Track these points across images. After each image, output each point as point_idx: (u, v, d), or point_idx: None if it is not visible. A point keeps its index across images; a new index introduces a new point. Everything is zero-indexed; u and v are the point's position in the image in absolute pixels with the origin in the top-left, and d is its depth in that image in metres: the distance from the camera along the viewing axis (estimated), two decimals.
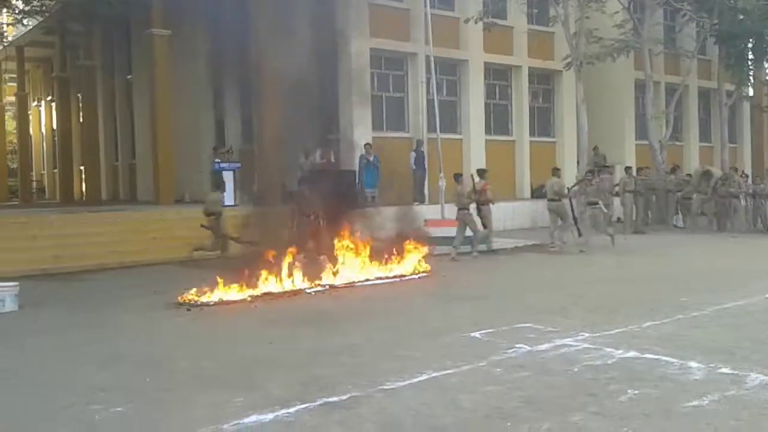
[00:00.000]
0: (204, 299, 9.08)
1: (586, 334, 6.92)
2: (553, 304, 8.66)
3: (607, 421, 4.52)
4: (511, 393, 5.11)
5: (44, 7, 26.20)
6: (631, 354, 6.16)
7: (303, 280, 10.03)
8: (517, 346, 6.50)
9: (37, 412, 5.01)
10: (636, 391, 5.11)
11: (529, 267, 12.92)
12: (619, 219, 19.19)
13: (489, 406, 4.85)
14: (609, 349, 6.30)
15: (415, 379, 5.50)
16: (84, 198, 30.64)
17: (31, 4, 25.94)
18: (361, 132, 18.44)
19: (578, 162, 20.26)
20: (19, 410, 5.07)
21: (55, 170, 35.08)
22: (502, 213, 20.02)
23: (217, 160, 18.50)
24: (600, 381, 5.38)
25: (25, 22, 28.62)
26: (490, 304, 8.93)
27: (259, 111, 18.58)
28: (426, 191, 18.79)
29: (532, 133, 23.35)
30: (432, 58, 17.10)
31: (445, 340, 6.83)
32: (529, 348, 6.43)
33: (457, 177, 14.53)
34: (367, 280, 10.62)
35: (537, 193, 22.69)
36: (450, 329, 7.30)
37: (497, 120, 22.76)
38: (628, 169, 20.58)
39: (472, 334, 7.03)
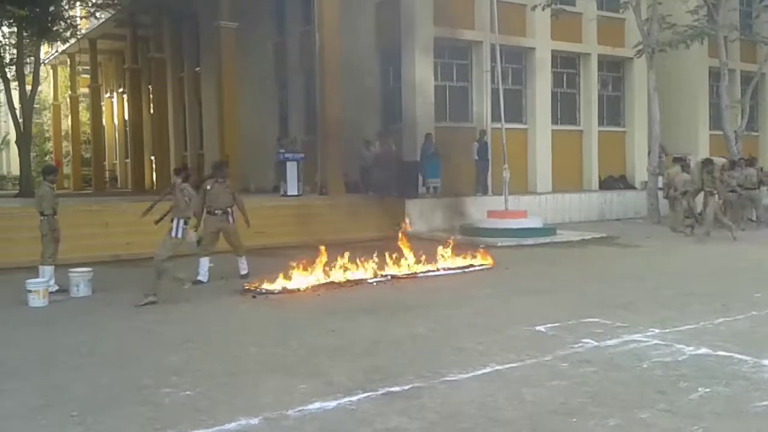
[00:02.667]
0: (269, 287, 9.22)
1: (656, 330, 6.72)
2: (621, 299, 8.45)
3: (677, 419, 4.38)
4: (577, 388, 5.01)
5: (116, 0, 26.98)
6: (703, 351, 5.96)
7: (365, 269, 10.06)
8: (583, 340, 6.36)
9: (112, 392, 5.18)
10: (707, 389, 4.94)
11: (597, 260, 12.62)
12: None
13: (554, 401, 4.76)
14: (679, 346, 6.11)
15: (479, 372, 5.45)
16: (155, 187, 31.58)
17: None
18: (424, 122, 18.37)
19: (649, 152, 19.68)
20: (96, 389, 5.26)
21: (127, 160, 36.26)
22: (568, 204, 19.69)
23: (281, 150, 18.71)
24: (670, 378, 5.22)
25: (98, 15, 29.54)
26: (556, 297, 8.77)
27: (322, 102, 18.75)
28: (489, 182, 18.58)
29: (600, 123, 22.82)
30: (497, 47, 16.85)
31: (509, 333, 6.74)
32: (596, 343, 6.28)
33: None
34: (429, 271, 10.57)
35: (606, 184, 22.21)
36: (514, 322, 7.20)
37: (564, 109, 22.32)
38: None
39: (537, 328, 6.91)
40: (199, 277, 9.99)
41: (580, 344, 6.25)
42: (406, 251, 10.68)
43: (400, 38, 19.20)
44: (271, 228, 14.54)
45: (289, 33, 24.48)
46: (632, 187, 22.02)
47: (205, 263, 10.17)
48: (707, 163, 15.38)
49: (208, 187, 10.24)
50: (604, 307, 7.92)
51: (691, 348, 6.04)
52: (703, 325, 6.93)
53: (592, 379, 5.22)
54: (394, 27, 19.33)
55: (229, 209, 10.38)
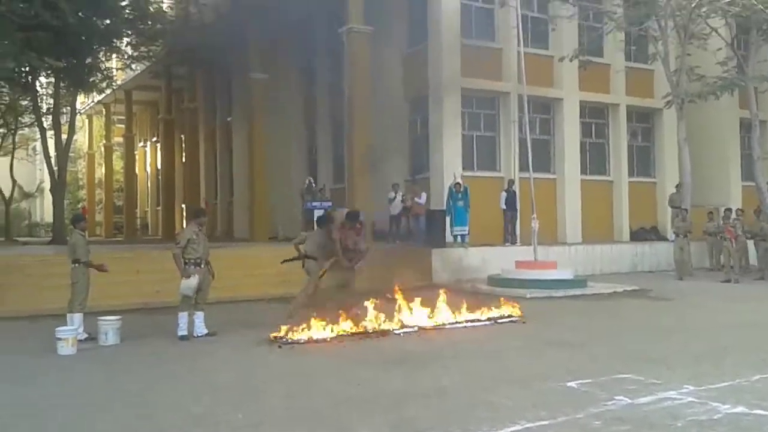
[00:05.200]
0: (295, 336, 9.16)
1: (691, 387, 6.50)
2: (655, 353, 8.22)
3: None
4: None
5: (151, 53, 27.78)
6: (739, 409, 5.73)
7: (392, 321, 9.96)
8: (616, 398, 6.16)
9: None
10: None
11: (629, 313, 12.36)
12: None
13: None
14: (715, 404, 5.89)
15: (509, 429, 5.29)
16: None
17: (139, 50, 27.57)
18: (451, 171, 18.41)
19: (681, 203, 19.44)
20: None
21: (158, 207, 36.79)
22: (598, 256, 19.42)
23: (309, 198, 18.84)
24: None
25: (133, 66, 30.40)
26: (588, 351, 8.56)
27: (350, 151, 18.93)
28: (518, 232, 18.44)
29: (631, 173, 22.67)
30: (525, 97, 16.94)
31: (540, 389, 6.57)
32: (629, 400, 6.08)
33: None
34: (457, 322, 10.42)
35: (637, 235, 21.91)
36: (544, 377, 7.02)
37: (593, 159, 22.24)
38: (738, 211, 19.59)
39: (569, 384, 6.73)
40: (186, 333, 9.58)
41: (613, 401, 6.05)
42: (438, 301, 10.52)
43: (428, 89, 19.41)
44: (295, 276, 14.49)
45: (319, 83, 24.93)
46: (664, 239, 21.69)
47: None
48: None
49: (194, 236, 9.70)
50: (637, 362, 7.71)
51: (726, 406, 5.82)
52: (739, 382, 6.69)
53: None
54: (422, 78, 19.58)
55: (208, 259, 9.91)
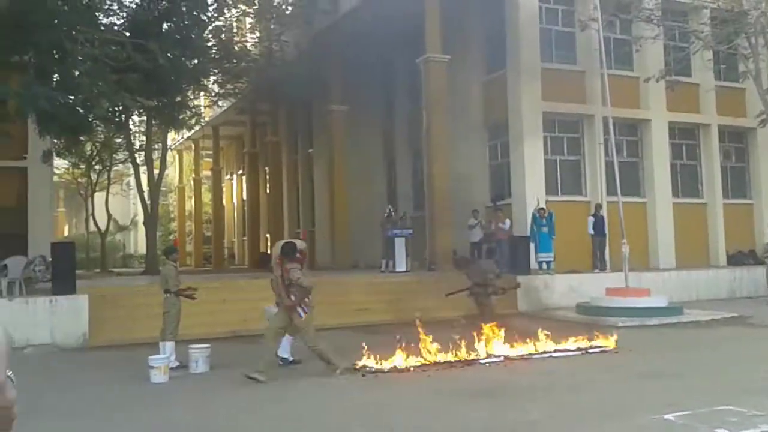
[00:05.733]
0: (378, 365, 9.08)
1: None
2: (756, 384, 7.72)
3: None
4: None
5: (237, 90, 28.77)
6: None
7: (478, 350, 9.74)
8: (717, 431, 5.81)
9: None
10: None
11: (728, 342, 11.67)
12: None
13: None
14: None
15: None
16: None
17: (225, 88, 28.60)
18: (533, 196, 18.07)
19: None
20: None
21: (244, 237, 37.73)
22: (693, 282, 18.54)
23: (389, 227, 18.87)
24: None
25: (220, 104, 31.54)
26: (685, 382, 8.10)
27: (430, 178, 18.88)
28: (607, 258, 17.84)
29: (725, 195, 21.62)
30: (610, 119, 16.48)
31: (636, 422, 6.24)
32: None
33: None
34: (546, 352, 10.09)
35: (735, 259, 20.83)
36: (640, 410, 6.67)
37: (685, 181, 21.36)
38: None
39: (666, 417, 6.36)
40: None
41: None
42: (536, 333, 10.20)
43: (507, 114, 19.21)
44: (375, 305, 14.51)
45: (398, 112, 25.12)
46: (763, 263, 20.49)
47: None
48: None
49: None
50: (738, 393, 7.24)
51: None
52: None
53: None
54: (502, 103, 19.40)
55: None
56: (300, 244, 9.97)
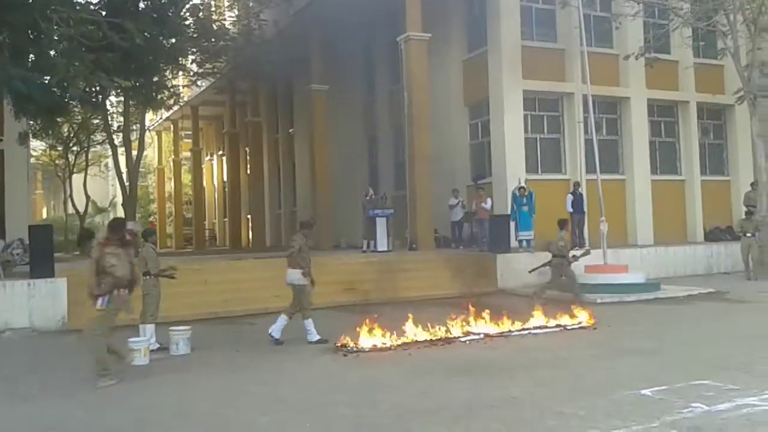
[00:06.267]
0: (359, 345, 9.14)
1: None
2: (733, 359, 7.86)
3: None
4: None
5: (215, 69, 28.46)
6: None
7: (457, 328, 9.83)
8: (693, 405, 5.92)
9: None
10: None
11: (705, 317, 11.86)
12: None
13: None
14: None
15: None
16: (250, 244, 32.50)
17: (204, 67, 28.30)
18: (513, 175, 18.14)
19: (756, 202, 18.60)
20: None
21: (225, 219, 37.61)
22: (671, 258, 18.77)
23: (370, 207, 18.87)
24: None
25: (199, 83, 31.20)
26: (662, 358, 8.24)
27: (411, 158, 18.87)
28: (586, 235, 17.99)
29: (703, 172, 21.85)
30: (590, 97, 16.53)
31: (613, 397, 6.33)
32: (706, 407, 5.83)
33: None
34: (525, 329, 10.20)
35: (712, 235, 21.09)
36: (617, 385, 6.78)
37: (664, 159, 21.54)
38: None
39: (643, 392, 6.48)
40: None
41: (689, 409, 5.81)
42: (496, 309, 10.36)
43: (488, 93, 19.20)
44: (359, 284, 14.56)
45: (378, 92, 25.01)
46: (739, 239, 20.76)
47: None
48: None
49: (304, 246, 10.19)
50: (714, 368, 7.38)
51: None
52: None
53: None
54: (482, 82, 19.38)
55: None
56: (133, 226, 9.40)
